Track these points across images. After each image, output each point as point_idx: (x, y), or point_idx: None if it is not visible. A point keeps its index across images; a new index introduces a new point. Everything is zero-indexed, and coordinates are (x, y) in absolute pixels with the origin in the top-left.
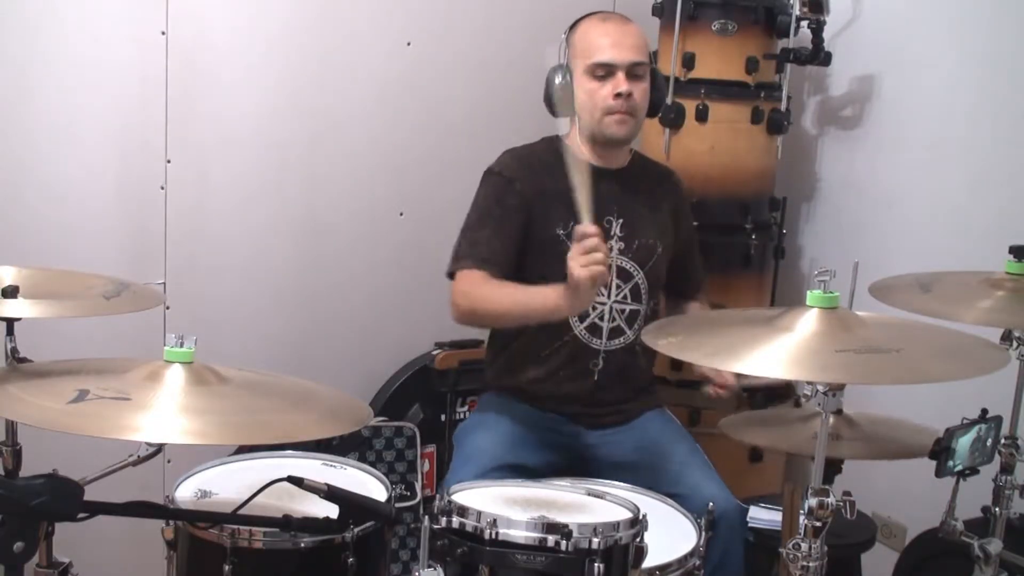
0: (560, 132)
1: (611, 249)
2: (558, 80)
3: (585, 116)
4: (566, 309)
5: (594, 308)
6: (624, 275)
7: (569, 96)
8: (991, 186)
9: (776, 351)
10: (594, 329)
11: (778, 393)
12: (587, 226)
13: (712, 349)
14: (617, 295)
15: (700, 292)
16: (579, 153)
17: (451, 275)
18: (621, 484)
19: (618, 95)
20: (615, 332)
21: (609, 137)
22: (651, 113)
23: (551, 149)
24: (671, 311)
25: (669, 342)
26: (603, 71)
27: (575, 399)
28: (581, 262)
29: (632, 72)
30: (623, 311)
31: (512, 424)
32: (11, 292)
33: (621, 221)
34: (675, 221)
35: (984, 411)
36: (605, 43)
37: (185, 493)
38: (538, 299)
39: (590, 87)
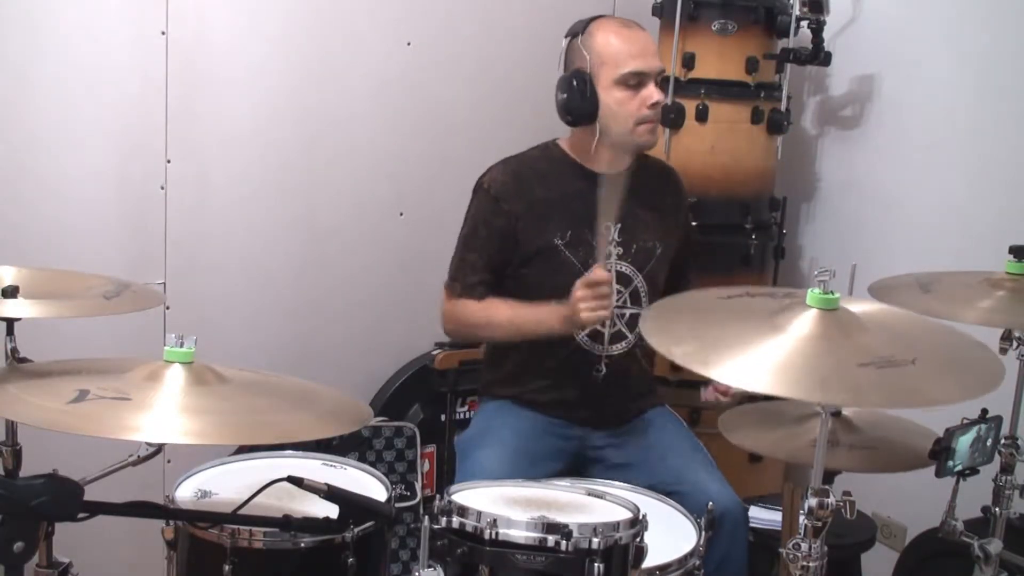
0: None
1: (609, 255)
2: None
3: (616, 126)
4: (562, 331)
5: None
6: (624, 280)
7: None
8: (991, 186)
9: (798, 365)
10: (595, 335)
11: None
12: (600, 273)
13: (725, 360)
14: (617, 300)
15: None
16: (577, 159)
17: (447, 286)
18: (621, 484)
19: (654, 104)
20: (616, 337)
21: (641, 146)
22: None
23: (546, 156)
24: None
25: (685, 352)
26: (636, 80)
27: (579, 405)
28: (590, 306)
29: (657, 79)
30: (623, 315)
31: (515, 437)
32: (11, 292)
33: (619, 226)
34: (677, 218)
35: (984, 411)
36: (635, 51)
37: (185, 493)
38: (532, 322)
39: (621, 96)
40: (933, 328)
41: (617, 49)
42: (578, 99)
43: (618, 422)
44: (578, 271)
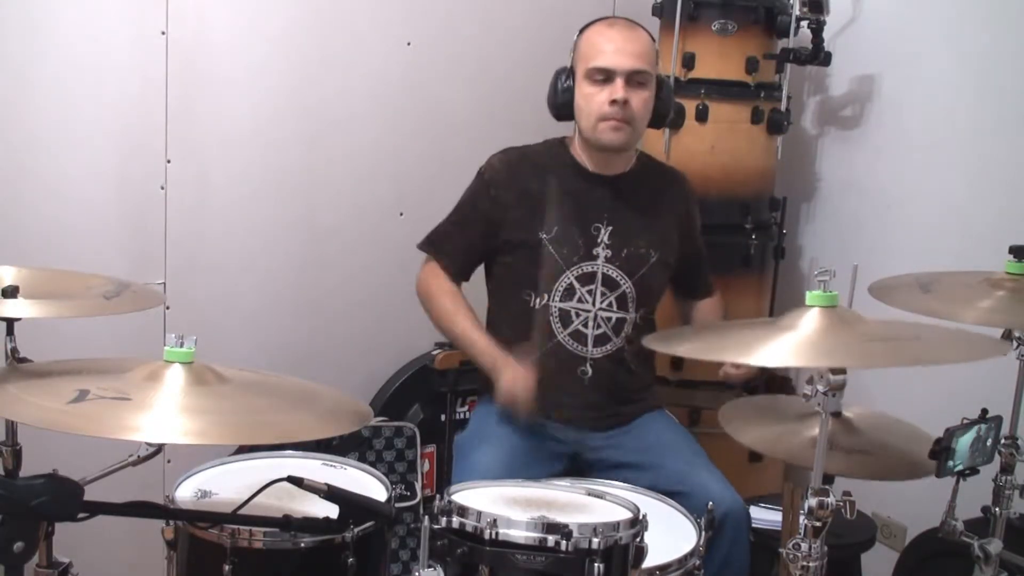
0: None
1: (597, 257)
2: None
3: (582, 121)
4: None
5: (577, 315)
6: (610, 283)
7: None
8: (991, 186)
9: (797, 343)
10: (579, 336)
11: (778, 388)
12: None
13: (732, 348)
14: (602, 303)
15: (711, 290)
16: (576, 158)
17: (421, 248)
18: (621, 484)
19: (614, 102)
20: (601, 339)
21: (603, 144)
22: (655, 124)
23: (550, 152)
24: (682, 311)
25: (687, 348)
26: (602, 76)
27: (568, 406)
28: (508, 397)
29: (632, 80)
30: (609, 319)
31: (513, 436)
32: (11, 292)
33: (611, 229)
34: (681, 226)
35: (984, 411)
36: (607, 48)
37: (185, 493)
38: (474, 347)
39: (588, 92)
40: (935, 323)
41: (591, 46)
42: (556, 93)
43: (613, 424)
44: (560, 267)
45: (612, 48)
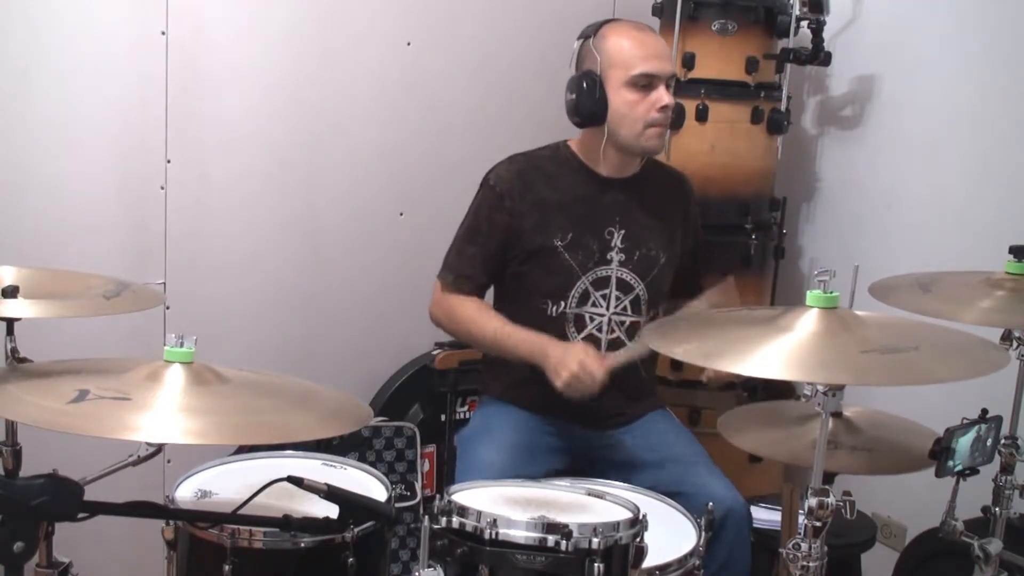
0: None
1: (611, 261)
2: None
3: (623, 129)
4: (535, 364)
5: (592, 319)
6: (624, 287)
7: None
8: (991, 186)
9: (793, 351)
10: (593, 341)
11: (777, 389)
12: (602, 375)
13: (728, 353)
14: (616, 307)
15: (701, 293)
16: (587, 161)
17: (443, 277)
18: (621, 484)
19: (663, 108)
20: (614, 344)
21: (648, 150)
22: None
23: (555, 157)
24: (669, 312)
25: (685, 349)
26: (646, 82)
27: (576, 408)
28: (571, 383)
29: (668, 83)
30: (622, 323)
31: (514, 432)
32: (11, 292)
33: (623, 232)
34: (684, 228)
35: (984, 411)
36: (646, 54)
37: (185, 493)
38: (514, 344)
39: (631, 99)
40: (935, 325)
41: (628, 51)
42: (587, 100)
43: (617, 424)
44: (576, 274)
45: (648, 53)
